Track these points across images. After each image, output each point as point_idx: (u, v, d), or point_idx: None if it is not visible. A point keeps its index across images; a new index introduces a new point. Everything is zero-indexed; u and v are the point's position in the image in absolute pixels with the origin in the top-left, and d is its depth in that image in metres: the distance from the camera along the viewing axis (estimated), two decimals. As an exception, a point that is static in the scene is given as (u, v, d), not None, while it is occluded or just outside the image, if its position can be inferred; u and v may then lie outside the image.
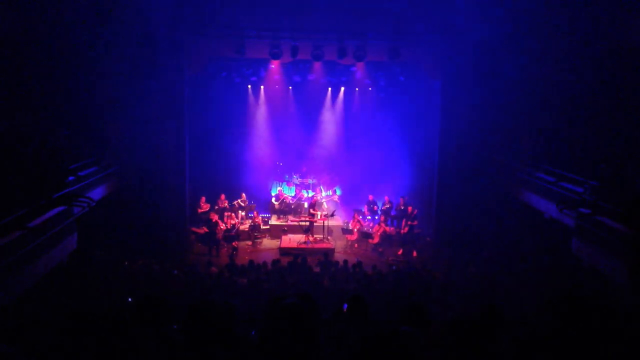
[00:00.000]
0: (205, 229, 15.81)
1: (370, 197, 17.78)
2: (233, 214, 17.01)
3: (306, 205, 17.54)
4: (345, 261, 12.80)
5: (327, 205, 17.95)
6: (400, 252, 15.72)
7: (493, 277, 11.82)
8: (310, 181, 18.76)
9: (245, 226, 16.89)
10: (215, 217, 15.78)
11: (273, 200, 18.21)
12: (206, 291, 10.17)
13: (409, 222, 15.92)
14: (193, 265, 12.84)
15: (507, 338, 3.10)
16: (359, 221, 16.61)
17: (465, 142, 14.99)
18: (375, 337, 2.30)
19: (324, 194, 18.50)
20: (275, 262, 12.64)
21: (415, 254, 15.51)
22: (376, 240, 16.05)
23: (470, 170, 15.11)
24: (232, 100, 18.18)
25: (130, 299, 8.94)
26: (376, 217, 17.29)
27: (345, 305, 4.00)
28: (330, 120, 19.35)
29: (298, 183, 18.77)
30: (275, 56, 14.75)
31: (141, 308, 3.37)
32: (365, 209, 17.63)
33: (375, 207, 17.56)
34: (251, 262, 12.43)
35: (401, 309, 3.97)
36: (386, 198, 17.40)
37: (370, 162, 18.51)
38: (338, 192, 18.69)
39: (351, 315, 3.90)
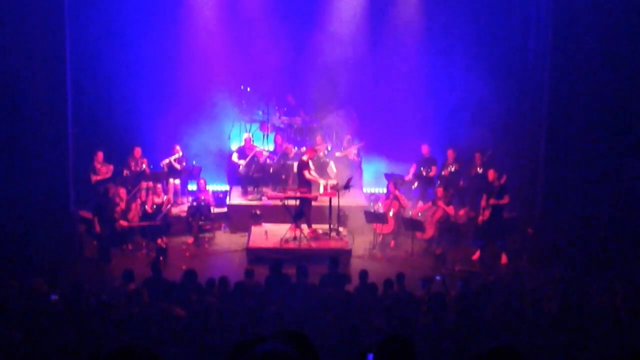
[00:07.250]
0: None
1: (425, 151, 18.27)
2: (158, 185, 17.56)
3: (296, 167, 17.79)
4: (365, 272, 13.08)
5: (335, 167, 18.40)
6: (476, 255, 16.38)
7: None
8: (302, 123, 19.13)
9: (182, 207, 17.43)
10: (113, 189, 16.39)
11: (234, 158, 18.64)
12: (113, 330, 10.68)
13: (493, 200, 16.28)
14: (84, 280, 13.26)
15: None
16: (397, 198, 17.17)
17: (597, 59, 15.47)
18: None
19: (329, 146, 18.88)
20: (245, 275, 13.10)
21: (504, 259, 16.13)
22: (430, 233, 16.65)
23: (605, 110, 15.70)
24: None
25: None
26: (429, 190, 17.76)
27: (371, 356, 4.26)
28: (340, 15, 19.96)
29: (281, 126, 19.18)
30: None
31: None
32: (410, 173, 18.14)
33: (431, 170, 18.09)
34: (193, 274, 12.72)
35: (476, 358, 4.35)
36: (449, 153, 18.00)
37: (415, 90, 19.02)
38: (356, 144, 19.13)
39: None
